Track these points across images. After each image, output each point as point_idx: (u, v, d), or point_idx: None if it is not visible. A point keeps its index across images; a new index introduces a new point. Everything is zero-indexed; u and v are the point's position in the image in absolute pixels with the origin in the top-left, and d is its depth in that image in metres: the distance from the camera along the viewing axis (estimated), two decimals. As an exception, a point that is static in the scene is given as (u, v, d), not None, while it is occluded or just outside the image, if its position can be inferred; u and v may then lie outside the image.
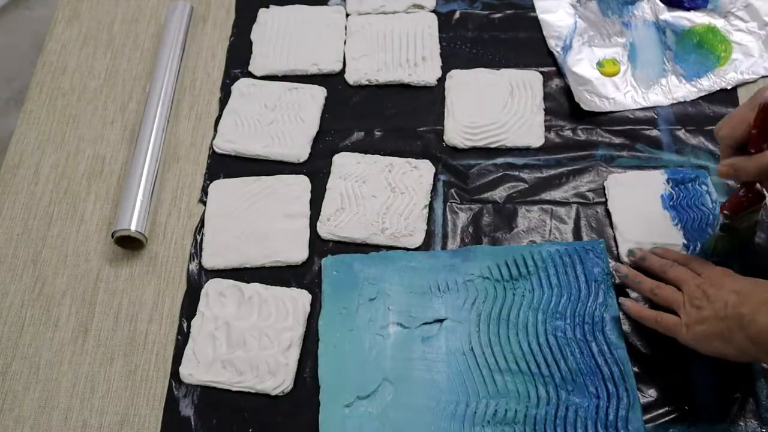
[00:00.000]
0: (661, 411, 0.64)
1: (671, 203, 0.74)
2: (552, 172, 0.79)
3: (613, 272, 0.71)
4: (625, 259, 0.72)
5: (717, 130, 0.64)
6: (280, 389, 0.66)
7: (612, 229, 0.74)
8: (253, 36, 0.91)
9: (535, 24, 0.90)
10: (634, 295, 0.70)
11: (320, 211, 0.76)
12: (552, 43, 0.88)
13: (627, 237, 0.73)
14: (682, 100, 0.83)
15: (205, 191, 0.79)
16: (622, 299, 0.68)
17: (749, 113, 0.60)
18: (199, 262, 0.74)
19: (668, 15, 0.89)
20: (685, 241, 0.72)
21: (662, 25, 0.89)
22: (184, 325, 0.71)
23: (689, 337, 0.61)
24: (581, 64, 0.86)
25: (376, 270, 0.72)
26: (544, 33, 0.89)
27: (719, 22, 0.88)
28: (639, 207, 0.74)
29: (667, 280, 0.66)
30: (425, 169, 0.79)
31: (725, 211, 0.66)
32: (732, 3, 0.89)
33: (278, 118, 0.83)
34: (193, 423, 0.66)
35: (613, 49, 0.87)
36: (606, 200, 0.76)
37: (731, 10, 0.89)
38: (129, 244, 0.75)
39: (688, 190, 0.75)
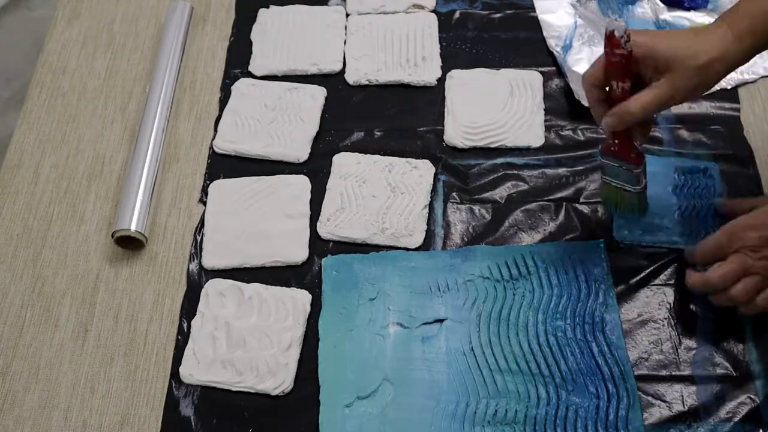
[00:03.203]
0: (660, 411, 0.64)
1: (676, 191, 0.75)
2: (552, 172, 0.79)
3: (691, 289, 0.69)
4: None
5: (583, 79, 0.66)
6: (280, 389, 0.66)
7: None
8: (253, 36, 0.91)
9: (535, 24, 0.90)
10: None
11: (320, 211, 0.76)
12: (552, 43, 0.88)
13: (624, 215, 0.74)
14: (682, 99, 0.83)
15: (205, 191, 0.79)
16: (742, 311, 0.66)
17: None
18: (199, 262, 0.74)
19: (668, 15, 0.89)
20: (681, 229, 0.73)
21: (662, 25, 0.89)
22: (184, 325, 0.71)
23: None
24: (581, 63, 0.86)
25: (376, 270, 0.72)
26: (544, 33, 0.89)
27: (719, 22, 0.88)
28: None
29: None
30: (425, 169, 0.78)
31: (599, 148, 0.69)
32: (732, 3, 0.89)
33: (278, 118, 0.83)
34: (193, 423, 0.66)
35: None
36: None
37: (731, 10, 0.89)
38: (129, 244, 0.75)
39: (695, 180, 0.76)
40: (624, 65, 0.62)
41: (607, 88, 0.64)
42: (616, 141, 0.67)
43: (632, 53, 0.61)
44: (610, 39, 0.61)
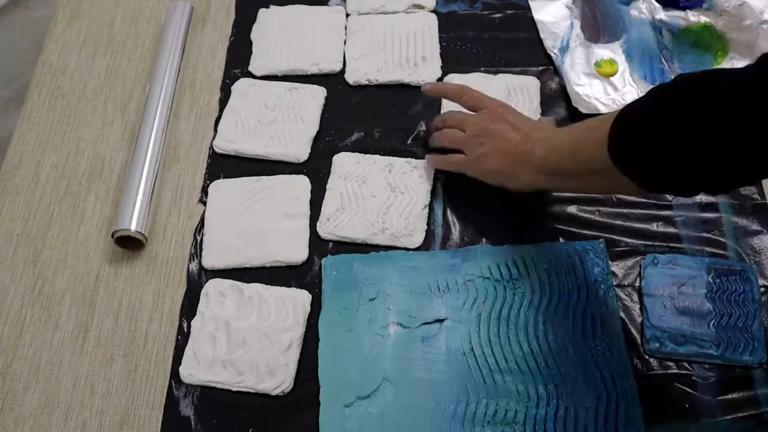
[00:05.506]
0: (661, 411, 0.65)
1: (711, 296, 0.69)
2: (551, 172, 0.79)
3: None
4: None
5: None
6: (280, 389, 0.66)
7: (641, 311, 0.69)
8: (253, 36, 0.91)
9: (535, 24, 0.90)
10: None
11: (320, 211, 0.76)
12: (549, 44, 0.88)
13: (655, 324, 0.68)
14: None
15: (205, 191, 0.79)
16: (427, 156, 0.78)
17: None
18: (199, 262, 0.74)
19: (664, 14, 0.90)
20: (717, 340, 0.67)
21: (658, 25, 0.89)
22: (184, 325, 0.71)
23: (477, 172, 0.72)
24: (578, 64, 0.86)
25: (376, 270, 0.72)
26: (541, 34, 0.89)
27: (715, 21, 0.88)
28: (675, 293, 0.69)
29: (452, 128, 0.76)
30: (425, 169, 0.79)
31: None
32: (727, 1, 0.89)
33: (278, 118, 0.83)
34: (193, 423, 0.66)
35: (610, 50, 0.87)
36: (641, 282, 0.71)
37: (726, 9, 0.89)
38: (129, 244, 0.75)
39: (731, 283, 0.70)
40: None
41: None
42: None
43: None
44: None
